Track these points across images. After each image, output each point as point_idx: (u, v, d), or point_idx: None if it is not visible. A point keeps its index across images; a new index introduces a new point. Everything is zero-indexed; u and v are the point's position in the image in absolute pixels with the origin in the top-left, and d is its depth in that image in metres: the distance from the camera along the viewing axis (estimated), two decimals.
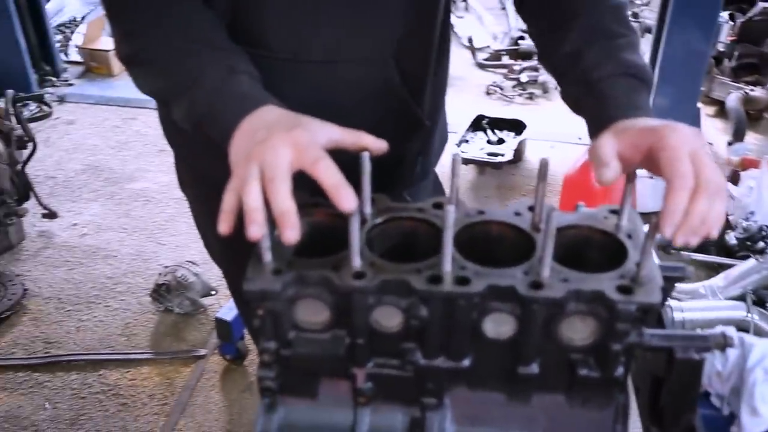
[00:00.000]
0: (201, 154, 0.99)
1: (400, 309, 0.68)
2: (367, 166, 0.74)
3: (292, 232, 0.65)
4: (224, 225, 0.69)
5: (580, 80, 0.80)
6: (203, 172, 1.08)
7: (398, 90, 0.96)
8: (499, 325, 0.69)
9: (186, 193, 1.19)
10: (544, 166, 0.74)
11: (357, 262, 0.68)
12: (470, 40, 4.52)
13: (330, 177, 0.66)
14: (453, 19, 1.04)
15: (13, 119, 2.57)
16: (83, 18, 4.64)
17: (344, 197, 0.66)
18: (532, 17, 0.91)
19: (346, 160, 0.71)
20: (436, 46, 0.99)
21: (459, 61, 4.26)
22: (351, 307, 0.68)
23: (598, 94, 0.78)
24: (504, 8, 5.07)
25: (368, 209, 0.76)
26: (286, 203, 0.65)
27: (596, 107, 0.78)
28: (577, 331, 0.69)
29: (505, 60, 4.32)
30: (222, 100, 0.78)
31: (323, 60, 0.92)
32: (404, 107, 0.99)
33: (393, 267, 0.69)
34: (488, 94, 4.02)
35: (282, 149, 0.67)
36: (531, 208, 0.77)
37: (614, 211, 0.77)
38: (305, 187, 0.70)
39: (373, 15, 0.90)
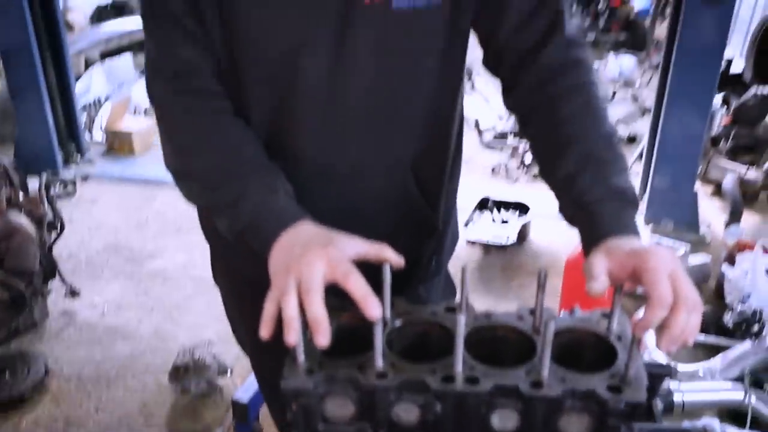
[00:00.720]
0: (236, 253, 1.10)
1: (417, 405, 0.78)
2: (387, 276, 0.85)
3: (323, 338, 0.75)
4: (265, 331, 0.79)
5: (575, 202, 0.91)
6: (236, 269, 1.19)
7: (416, 199, 1.08)
8: (504, 419, 0.78)
9: (218, 283, 1.30)
10: (542, 277, 0.84)
11: (380, 363, 0.78)
12: (477, 123, 4.71)
13: (359, 289, 0.77)
14: None
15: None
16: (107, 98, 4.87)
17: (372, 307, 0.76)
18: (533, 139, 1.03)
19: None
20: (451, 158, 1.12)
21: (466, 141, 4.33)
22: (374, 403, 0.78)
23: (589, 215, 0.89)
24: None
25: (388, 313, 0.87)
26: (319, 313, 0.76)
27: (588, 227, 0.88)
28: (574, 424, 0.78)
29: (510, 140, 4.49)
30: (263, 216, 0.90)
31: (349, 172, 1.04)
32: (421, 214, 1.11)
33: (411, 367, 0.79)
34: (494, 173, 4.18)
35: (317, 264, 0.79)
36: (532, 312, 0.88)
37: (606, 315, 0.87)
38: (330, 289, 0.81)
39: (393, 133, 1.03)
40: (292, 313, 0.76)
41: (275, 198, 0.92)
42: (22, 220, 2.43)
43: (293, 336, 0.76)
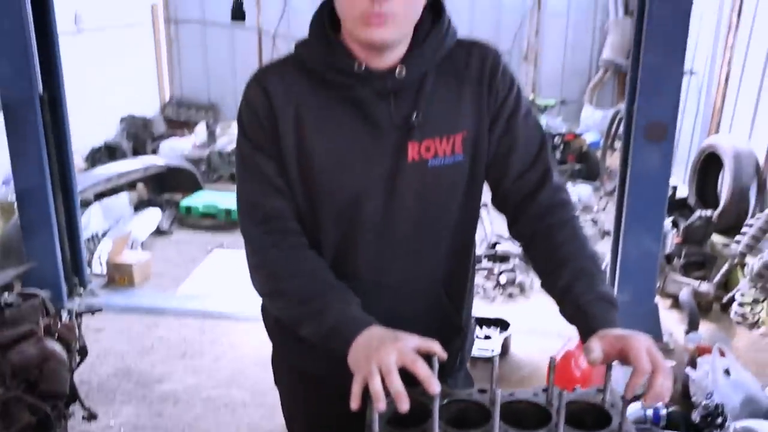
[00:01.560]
0: (298, 352, 1.41)
1: None
2: (436, 365, 1.17)
3: (405, 405, 1.06)
4: (355, 404, 1.09)
5: (572, 305, 1.25)
6: (297, 366, 1.48)
7: (445, 306, 1.43)
8: None
9: (279, 383, 1.58)
10: (553, 363, 1.17)
11: (436, 429, 1.09)
12: None
13: (425, 371, 1.08)
14: None
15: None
16: (104, 234, 5.16)
17: (434, 385, 1.07)
18: (534, 260, 1.38)
19: None
20: (471, 275, 1.47)
21: None
22: None
23: (584, 315, 1.22)
24: (480, 217, 5.74)
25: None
26: (400, 387, 1.06)
27: (585, 322, 1.21)
28: None
29: (485, 263, 4.87)
30: (343, 323, 1.22)
31: (395, 286, 1.38)
32: (449, 318, 1.45)
33: None
34: None
35: (392, 354, 1.10)
36: (545, 390, 1.19)
37: (600, 390, 1.19)
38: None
39: (429, 256, 1.40)
40: (378, 389, 1.07)
41: (351, 309, 1.25)
42: (56, 346, 2.65)
43: (381, 405, 1.06)
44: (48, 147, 4.11)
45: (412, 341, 1.15)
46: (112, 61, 7.13)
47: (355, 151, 1.29)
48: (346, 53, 1.27)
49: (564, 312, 1.29)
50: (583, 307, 1.23)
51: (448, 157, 1.31)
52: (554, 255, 1.33)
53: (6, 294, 2.79)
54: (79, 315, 2.89)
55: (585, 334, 1.20)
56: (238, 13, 2.10)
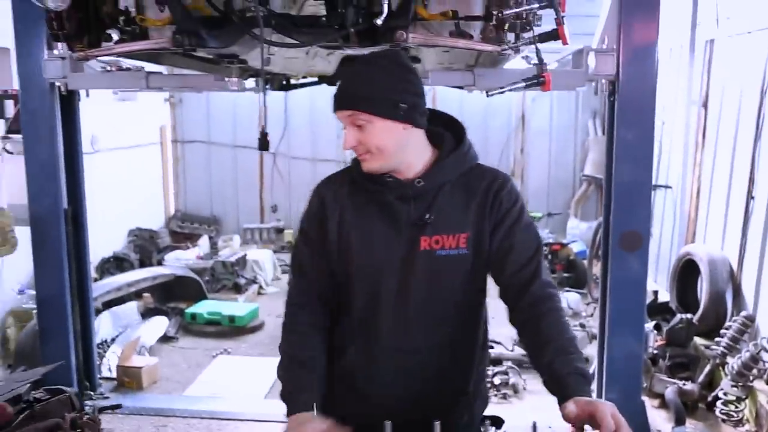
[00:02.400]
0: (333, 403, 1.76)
1: None
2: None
3: None
4: None
5: (554, 377, 1.53)
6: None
7: (453, 371, 1.74)
8: None
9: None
10: None
11: None
12: None
13: None
14: None
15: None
16: (113, 340, 5.37)
17: None
18: (526, 342, 1.68)
19: None
20: (480, 340, 1.78)
21: None
22: None
23: (563, 385, 1.50)
24: None
25: None
26: None
27: (563, 391, 1.49)
28: None
29: None
30: (288, 401, 1.64)
31: (411, 351, 1.71)
32: (456, 381, 1.76)
33: None
34: None
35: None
36: None
37: None
38: None
39: (437, 324, 1.73)
40: None
41: (299, 393, 1.65)
42: None
43: None
44: (69, 258, 4.41)
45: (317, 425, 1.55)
46: (123, 178, 7.58)
47: (380, 239, 1.70)
48: None
49: (547, 384, 1.58)
50: (562, 379, 1.52)
51: (453, 249, 1.68)
52: (540, 337, 1.63)
53: (35, 390, 3.00)
54: (100, 411, 3.08)
55: (562, 401, 1.48)
56: (263, 144, 2.48)
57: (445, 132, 1.78)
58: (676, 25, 6.04)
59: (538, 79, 2.40)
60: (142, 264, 7.37)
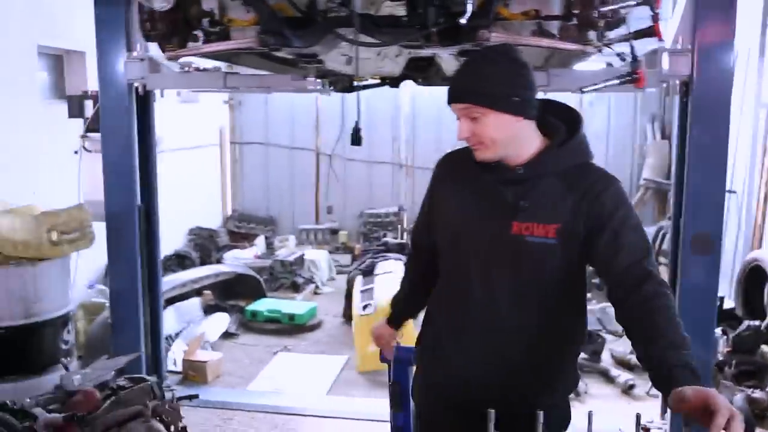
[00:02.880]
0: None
1: None
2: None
3: None
4: None
5: (663, 370, 1.49)
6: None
7: (535, 357, 1.81)
8: None
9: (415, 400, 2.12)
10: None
11: None
12: None
13: None
14: None
15: None
16: (177, 335, 5.50)
17: None
18: (636, 339, 1.63)
19: None
20: (569, 336, 1.91)
21: None
22: None
23: (674, 378, 1.44)
24: None
25: None
26: None
27: (671, 384, 1.43)
28: None
29: None
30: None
31: (497, 329, 1.81)
32: (538, 373, 1.83)
33: None
34: None
35: None
36: None
37: None
38: None
39: (520, 302, 1.79)
40: None
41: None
42: (161, 427, 2.93)
43: None
44: (141, 252, 4.55)
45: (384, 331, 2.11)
46: (184, 178, 7.77)
47: (476, 217, 1.81)
48: None
49: (654, 378, 1.54)
50: (672, 371, 1.48)
51: (542, 238, 1.71)
52: (653, 331, 1.59)
53: (118, 378, 3.11)
54: (179, 400, 3.17)
55: (669, 394, 1.44)
56: (356, 139, 2.55)
57: (562, 125, 1.82)
58: (745, 27, 5.90)
59: (632, 76, 2.41)
60: (203, 262, 7.54)
